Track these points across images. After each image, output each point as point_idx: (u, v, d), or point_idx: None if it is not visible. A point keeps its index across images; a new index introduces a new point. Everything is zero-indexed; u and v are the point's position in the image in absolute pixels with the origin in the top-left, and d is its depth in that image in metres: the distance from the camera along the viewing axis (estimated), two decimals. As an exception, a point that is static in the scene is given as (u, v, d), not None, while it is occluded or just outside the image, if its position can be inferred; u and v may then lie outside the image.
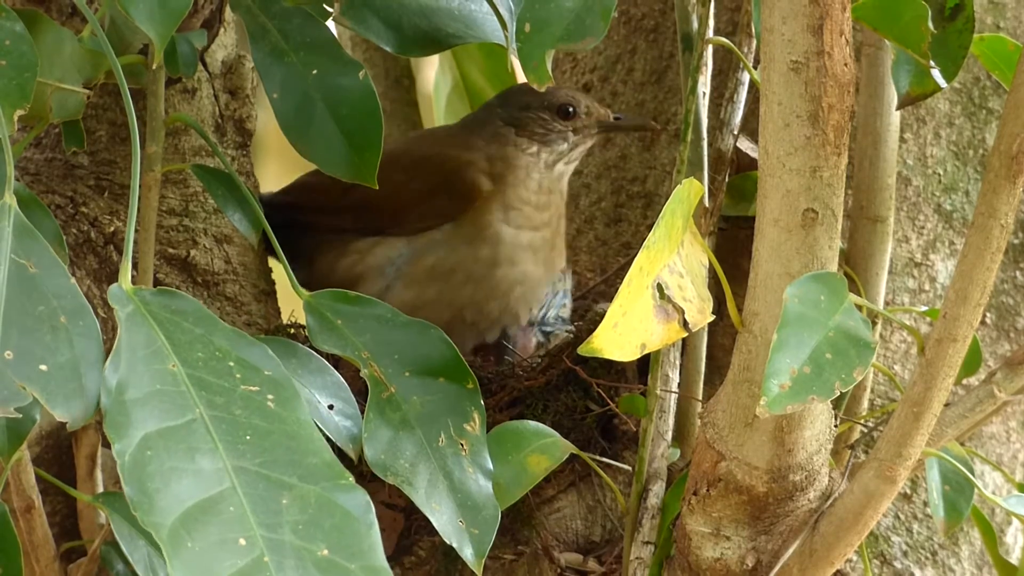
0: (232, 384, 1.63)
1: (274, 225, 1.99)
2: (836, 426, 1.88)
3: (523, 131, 2.25)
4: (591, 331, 1.73)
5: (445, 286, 2.20)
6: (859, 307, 1.76)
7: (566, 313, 2.37)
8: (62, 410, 1.59)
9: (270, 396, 1.64)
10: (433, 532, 1.89)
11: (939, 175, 2.25)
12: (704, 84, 2.11)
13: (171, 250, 2.12)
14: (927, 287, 2.24)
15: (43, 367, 1.60)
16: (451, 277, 2.20)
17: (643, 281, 1.73)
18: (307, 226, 2.24)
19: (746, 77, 2.15)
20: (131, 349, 1.62)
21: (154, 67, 1.93)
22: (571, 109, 2.26)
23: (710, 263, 1.81)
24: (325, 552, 1.55)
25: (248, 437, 1.60)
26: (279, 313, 2.21)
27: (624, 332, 1.73)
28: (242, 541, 1.53)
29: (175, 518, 1.52)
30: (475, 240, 2.20)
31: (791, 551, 1.87)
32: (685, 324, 1.76)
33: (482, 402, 1.87)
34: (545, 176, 2.24)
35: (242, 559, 1.52)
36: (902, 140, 2.22)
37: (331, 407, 1.87)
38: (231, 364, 1.64)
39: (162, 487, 1.53)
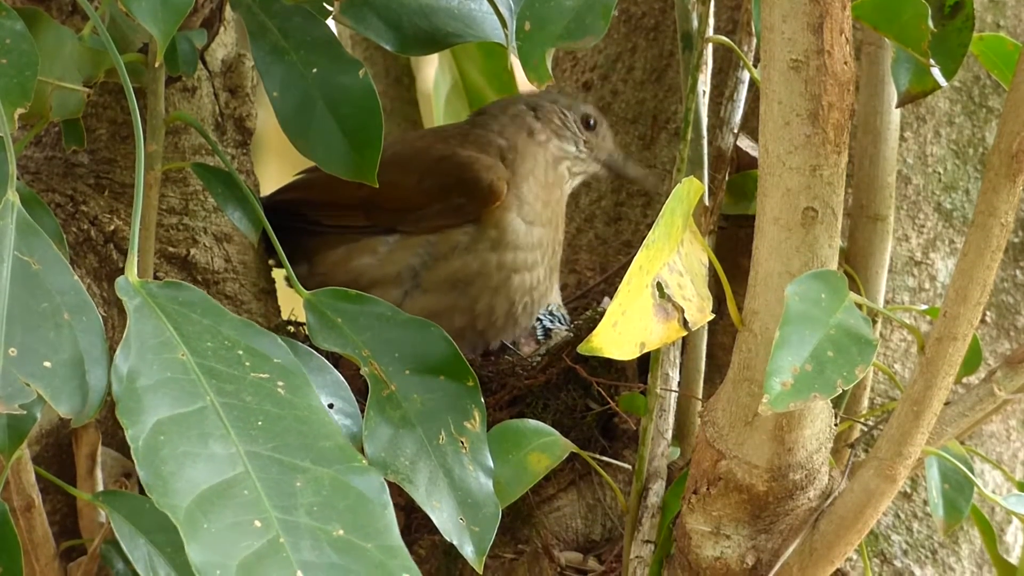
0: (242, 372, 1.64)
1: (274, 225, 1.99)
2: (836, 425, 1.88)
3: (541, 116, 2.25)
4: (591, 330, 1.73)
5: (463, 294, 2.19)
6: (859, 305, 1.76)
7: (562, 310, 2.37)
8: (66, 406, 1.60)
9: (280, 383, 1.64)
10: (433, 530, 1.89)
11: (939, 173, 2.25)
12: (704, 82, 2.11)
13: (171, 249, 2.11)
14: (927, 285, 2.24)
15: (47, 363, 1.60)
16: (471, 285, 2.19)
17: (643, 280, 1.73)
18: (311, 224, 2.22)
19: (746, 75, 2.15)
20: (140, 339, 1.62)
21: (155, 66, 1.93)
22: (592, 122, 2.27)
23: (710, 262, 1.81)
24: (340, 532, 1.56)
25: (260, 423, 1.60)
26: (279, 311, 2.21)
27: (624, 331, 1.73)
28: (257, 523, 1.54)
29: (191, 501, 1.53)
30: (499, 245, 2.19)
31: (791, 550, 1.87)
32: (685, 323, 1.76)
33: (482, 400, 1.87)
34: (550, 170, 2.24)
35: (258, 540, 1.53)
36: (902, 139, 2.22)
37: (331, 406, 1.87)
38: (240, 353, 1.65)
39: (176, 471, 1.54)
